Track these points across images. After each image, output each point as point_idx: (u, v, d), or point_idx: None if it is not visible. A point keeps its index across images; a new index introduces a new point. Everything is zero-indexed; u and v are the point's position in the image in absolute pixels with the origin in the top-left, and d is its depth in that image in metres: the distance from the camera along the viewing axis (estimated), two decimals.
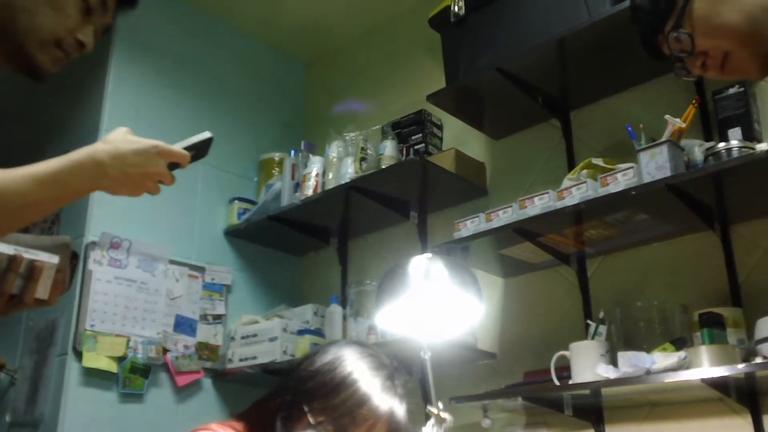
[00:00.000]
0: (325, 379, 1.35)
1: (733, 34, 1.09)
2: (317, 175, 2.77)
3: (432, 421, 1.05)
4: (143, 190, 1.18)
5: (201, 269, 2.84)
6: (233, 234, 2.97)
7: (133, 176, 1.14)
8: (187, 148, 1.20)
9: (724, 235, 2.05)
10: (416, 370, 2.51)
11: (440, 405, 1.08)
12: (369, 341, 2.43)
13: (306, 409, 1.33)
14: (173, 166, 1.19)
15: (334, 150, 2.75)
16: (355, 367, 1.37)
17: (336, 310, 2.66)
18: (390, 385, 1.38)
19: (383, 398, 1.34)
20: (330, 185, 2.70)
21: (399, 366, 1.42)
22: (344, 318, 2.63)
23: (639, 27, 1.20)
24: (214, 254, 2.92)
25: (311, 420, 1.32)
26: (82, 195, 1.16)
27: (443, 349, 2.21)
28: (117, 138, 1.15)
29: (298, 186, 2.83)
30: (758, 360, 1.73)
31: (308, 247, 3.11)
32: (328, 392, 1.34)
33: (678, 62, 1.18)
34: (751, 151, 1.81)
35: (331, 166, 2.73)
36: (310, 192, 2.75)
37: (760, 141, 1.91)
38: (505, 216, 2.18)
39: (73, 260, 1.14)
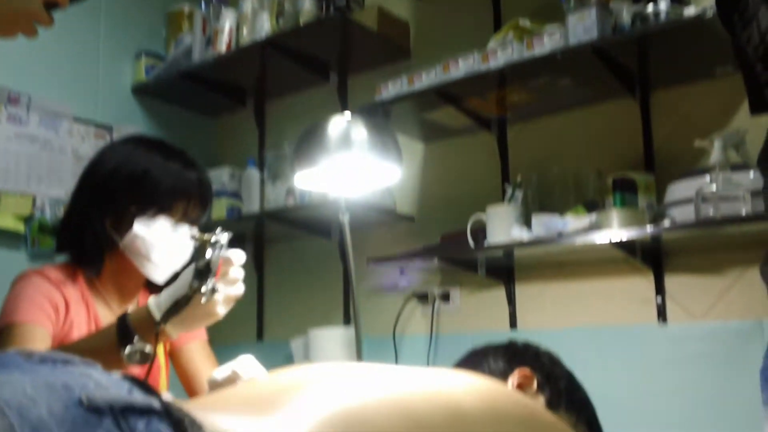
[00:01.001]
0: (126, 176, 1.40)
1: None
2: (230, 30, 2.60)
3: (205, 246, 1.09)
4: (16, 31, 1.06)
5: (108, 128, 2.69)
6: (142, 91, 2.80)
7: (2, 14, 1.03)
8: None
9: (643, 102, 2.06)
10: (335, 232, 2.51)
11: (216, 232, 1.13)
12: (288, 204, 2.39)
13: (122, 205, 1.39)
14: (51, 5, 1.08)
15: (248, 4, 2.56)
16: (150, 158, 1.42)
17: (253, 173, 2.58)
18: (188, 164, 1.45)
19: (186, 175, 1.42)
20: (244, 42, 2.54)
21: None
22: (262, 182, 2.57)
23: None
24: (122, 113, 2.76)
25: (134, 210, 1.38)
26: None
27: (362, 213, 2.21)
28: None
29: (210, 41, 2.65)
30: (665, 223, 1.79)
31: (223, 108, 2.97)
32: (136, 184, 1.39)
33: None
34: (679, 14, 1.78)
35: (245, 21, 2.56)
36: (223, 48, 2.59)
37: (688, 4, 1.88)
38: (428, 79, 2.12)
39: None
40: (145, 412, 0.52)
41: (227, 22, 2.60)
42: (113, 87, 2.74)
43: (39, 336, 1.28)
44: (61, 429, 0.47)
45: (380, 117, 2.18)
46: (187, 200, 1.42)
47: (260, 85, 2.77)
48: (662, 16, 1.80)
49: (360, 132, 1.30)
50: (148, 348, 1.12)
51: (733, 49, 1.13)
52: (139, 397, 0.54)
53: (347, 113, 1.37)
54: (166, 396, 0.57)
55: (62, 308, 1.34)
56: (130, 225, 1.37)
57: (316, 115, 2.71)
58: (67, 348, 1.21)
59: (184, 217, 1.42)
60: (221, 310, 1.19)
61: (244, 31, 2.55)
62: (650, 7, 1.82)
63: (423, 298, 2.37)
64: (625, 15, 1.89)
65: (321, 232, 2.53)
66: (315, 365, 0.90)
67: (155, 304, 1.19)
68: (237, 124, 2.98)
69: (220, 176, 2.65)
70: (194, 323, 1.21)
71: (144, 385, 0.56)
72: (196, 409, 0.59)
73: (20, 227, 2.39)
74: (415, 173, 2.48)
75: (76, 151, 2.57)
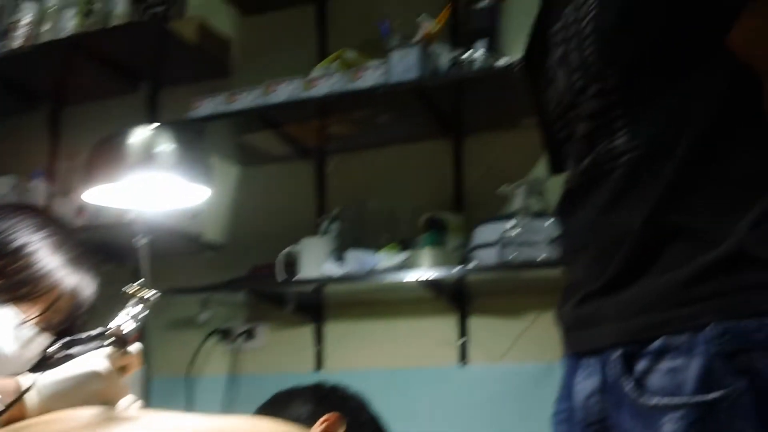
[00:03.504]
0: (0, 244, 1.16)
1: None
2: (30, 23, 2.34)
3: (133, 300, 0.91)
4: None
5: None
6: None
7: None
8: None
9: (457, 144, 2.11)
10: (131, 258, 2.31)
11: (140, 282, 0.94)
12: (77, 223, 2.16)
13: None
14: None
15: None
16: (34, 236, 1.18)
17: (39, 185, 2.32)
18: (76, 261, 1.21)
19: (67, 273, 1.18)
20: (45, 38, 2.30)
21: (89, 243, 1.25)
22: (50, 195, 2.31)
23: None
24: None
25: None
26: None
27: (164, 237, 2.04)
28: None
29: (5, 34, 2.37)
30: (472, 264, 1.83)
31: (11, 109, 2.64)
32: (3, 257, 1.15)
33: None
34: (493, 63, 1.85)
35: (48, 16, 2.32)
36: (19, 43, 2.32)
37: (502, 56, 1.96)
38: (249, 99, 2.04)
39: None
40: None
41: (27, 14, 2.34)
42: None
43: None
44: None
45: (192, 134, 2.05)
46: (50, 302, 1.15)
47: (59, 87, 2.51)
48: (477, 63, 1.87)
49: (166, 146, 1.18)
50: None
51: (536, 107, 1.17)
52: None
53: (153, 125, 1.25)
54: None
55: None
56: None
57: (120, 127, 2.52)
58: None
59: (40, 321, 1.14)
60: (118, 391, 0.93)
61: (46, 26, 2.31)
62: (467, 54, 1.89)
63: (225, 334, 2.23)
64: (444, 59, 1.94)
65: (115, 257, 2.31)
66: (81, 413, 0.77)
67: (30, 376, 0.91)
68: (27, 127, 2.67)
69: (0, 186, 2.35)
70: (77, 389, 0.90)
71: None
72: None
73: None
74: (227, 198, 2.35)
75: None
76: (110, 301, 1.31)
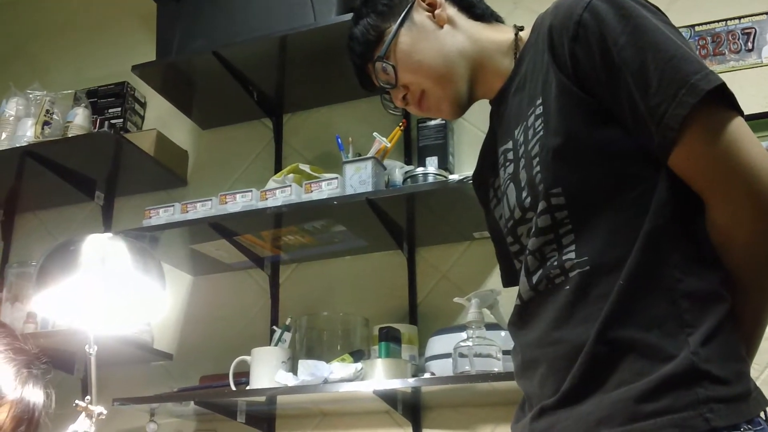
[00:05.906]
0: None
1: (430, 72, 1.11)
2: None
3: (82, 415, 0.89)
4: None
5: None
6: None
7: None
8: None
9: (410, 256, 2.15)
10: (79, 367, 2.24)
11: (89, 398, 0.92)
12: (26, 330, 2.10)
13: None
14: None
15: (12, 107, 2.36)
16: None
17: None
18: (25, 374, 1.18)
19: (13, 386, 1.14)
20: (2, 146, 2.31)
21: (40, 354, 1.21)
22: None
23: (351, 55, 1.17)
24: None
25: None
26: None
27: (113, 346, 2.00)
28: None
29: None
30: (426, 375, 1.82)
31: None
32: None
33: (385, 93, 1.18)
34: (445, 179, 1.92)
35: (5, 125, 2.34)
36: None
37: (452, 172, 2.04)
38: (203, 209, 2.06)
39: None
40: None
41: None
42: None
43: None
44: None
45: (146, 244, 2.05)
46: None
47: (13, 194, 2.50)
48: (430, 178, 1.94)
49: (119, 254, 1.19)
50: None
51: (487, 222, 1.21)
52: None
53: (108, 234, 1.26)
54: None
55: None
56: None
57: (73, 234, 2.50)
58: None
59: None
60: None
61: (3, 135, 2.33)
62: (419, 170, 1.97)
63: None
64: (398, 173, 2.02)
65: (62, 366, 2.24)
66: None
67: None
68: None
69: None
70: None
71: None
72: None
73: None
74: (179, 307, 2.32)
75: None
76: (59, 410, 1.28)
